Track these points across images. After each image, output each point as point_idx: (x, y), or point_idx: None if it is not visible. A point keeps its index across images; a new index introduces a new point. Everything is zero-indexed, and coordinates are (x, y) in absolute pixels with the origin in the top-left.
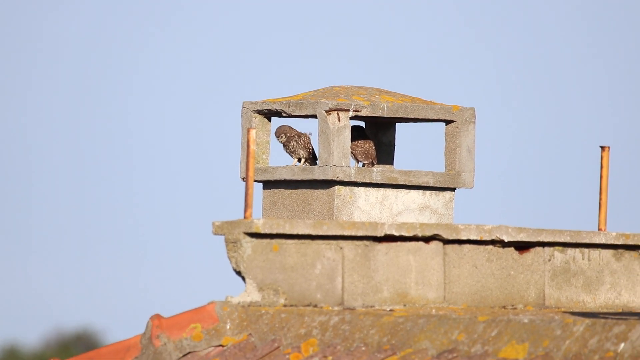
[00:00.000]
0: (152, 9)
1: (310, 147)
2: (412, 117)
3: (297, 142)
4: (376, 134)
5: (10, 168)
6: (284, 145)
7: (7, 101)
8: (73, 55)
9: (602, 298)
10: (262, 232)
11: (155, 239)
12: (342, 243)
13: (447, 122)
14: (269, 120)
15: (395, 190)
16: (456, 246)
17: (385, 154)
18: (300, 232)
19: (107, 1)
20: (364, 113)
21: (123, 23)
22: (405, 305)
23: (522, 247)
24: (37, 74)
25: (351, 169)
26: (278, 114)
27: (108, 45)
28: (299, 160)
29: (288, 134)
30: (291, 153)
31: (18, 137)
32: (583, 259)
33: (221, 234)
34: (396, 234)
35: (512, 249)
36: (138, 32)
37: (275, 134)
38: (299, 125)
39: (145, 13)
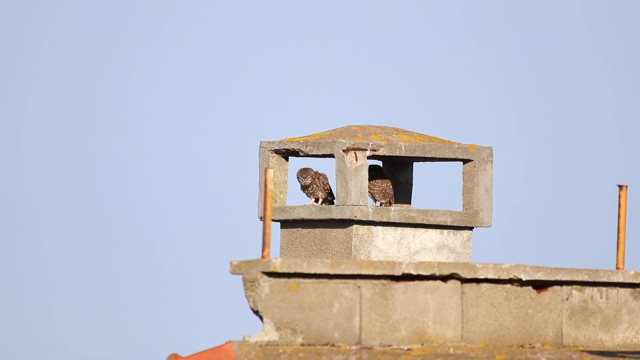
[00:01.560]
0: (170, 47)
1: (328, 187)
2: (429, 156)
3: (316, 184)
4: (393, 173)
5: (11, 225)
6: (303, 186)
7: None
8: (86, 98)
9: (620, 337)
10: (280, 271)
11: (173, 278)
12: (360, 282)
13: (465, 161)
14: (287, 159)
15: (413, 229)
16: (474, 285)
17: (402, 193)
18: (318, 272)
19: (122, 46)
20: (381, 152)
21: (140, 63)
22: (423, 344)
23: (540, 285)
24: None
25: (369, 208)
26: (295, 153)
27: (123, 92)
28: (316, 200)
29: (312, 176)
30: (310, 194)
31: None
32: (601, 297)
33: (239, 273)
34: (414, 273)
35: (529, 287)
36: (156, 71)
37: (301, 175)
38: (316, 164)
39: (163, 52)
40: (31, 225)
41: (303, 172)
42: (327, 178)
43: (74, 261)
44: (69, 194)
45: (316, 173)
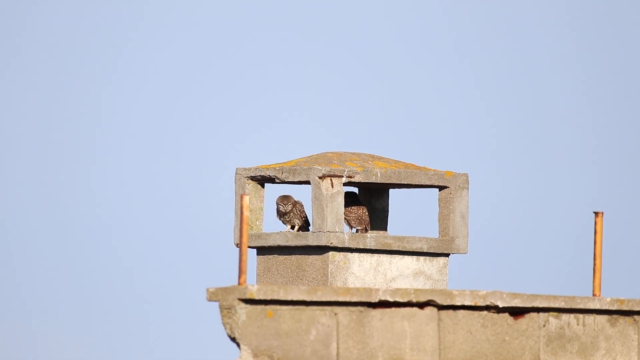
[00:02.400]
0: (148, 71)
1: (305, 215)
2: (405, 183)
3: (293, 212)
4: (369, 200)
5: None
6: (282, 213)
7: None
8: (77, 107)
9: None
10: (257, 298)
11: (150, 305)
12: (337, 309)
13: (441, 187)
14: (263, 186)
15: (389, 256)
16: (451, 312)
17: (378, 220)
18: (295, 298)
19: (98, 69)
20: (357, 179)
21: (115, 85)
22: None
23: (517, 312)
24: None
25: (345, 234)
26: (271, 180)
27: (97, 121)
28: (292, 227)
29: (292, 203)
30: (286, 221)
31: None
32: (578, 324)
33: (215, 300)
34: (390, 299)
35: (506, 314)
36: (130, 95)
37: (281, 202)
38: (292, 191)
39: (140, 75)
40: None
41: (284, 199)
42: (303, 205)
43: (50, 290)
44: (42, 221)
45: (295, 201)
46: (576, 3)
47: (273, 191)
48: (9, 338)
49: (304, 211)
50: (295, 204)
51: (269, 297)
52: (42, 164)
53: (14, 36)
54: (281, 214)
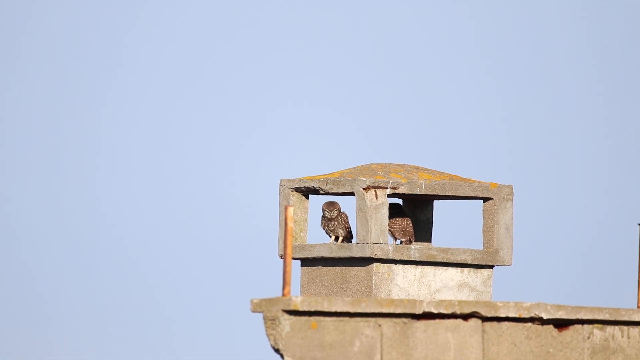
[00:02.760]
0: (192, 84)
1: (349, 226)
2: (449, 194)
3: (338, 221)
4: (414, 211)
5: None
6: (328, 219)
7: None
8: (95, 115)
9: None
10: (301, 309)
11: (195, 317)
12: (381, 320)
13: (485, 199)
14: (307, 197)
15: (433, 267)
16: (495, 324)
17: (422, 231)
18: (339, 310)
19: (139, 83)
20: (401, 190)
21: (155, 106)
22: None
23: (561, 324)
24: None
25: (389, 246)
26: (316, 191)
27: (142, 131)
28: (336, 238)
29: (338, 210)
30: (330, 231)
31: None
32: (622, 336)
33: (259, 312)
34: (434, 311)
35: (551, 326)
36: (176, 108)
37: (327, 208)
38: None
39: (185, 88)
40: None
41: (330, 205)
42: (347, 217)
43: (94, 302)
44: (80, 227)
45: (340, 210)
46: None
47: (317, 202)
48: (49, 339)
49: (348, 222)
50: (341, 213)
51: (312, 309)
52: (89, 173)
53: (24, 35)
54: (327, 220)
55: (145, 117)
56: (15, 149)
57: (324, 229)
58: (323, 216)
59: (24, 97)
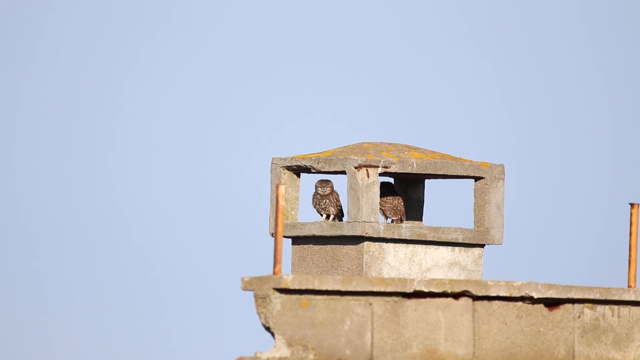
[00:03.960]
0: (182, 63)
1: (340, 205)
2: (441, 173)
3: (330, 199)
4: (405, 190)
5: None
6: (321, 196)
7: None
8: (88, 110)
9: (633, 355)
10: (292, 287)
11: (184, 294)
12: (372, 299)
13: (477, 178)
14: (298, 176)
15: (424, 246)
16: (485, 302)
17: (414, 210)
18: (330, 288)
19: (126, 59)
20: (393, 169)
21: (150, 76)
22: None
23: (551, 303)
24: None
25: (380, 225)
26: (307, 170)
27: (132, 108)
28: (327, 217)
29: (331, 188)
30: (321, 210)
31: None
32: (613, 315)
33: (250, 290)
34: (425, 290)
35: (541, 305)
36: (166, 87)
37: (320, 185)
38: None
39: (174, 67)
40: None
41: (323, 182)
42: (339, 195)
43: (83, 280)
44: (79, 210)
45: (332, 185)
46: None
47: (309, 181)
48: (44, 331)
49: (339, 201)
50: (333, 191)
51: (303, 287)
52: (72, 155)
53: (34, 36)
54: (319, 198)
55: (133, 94)
56: (14, 149)
57: (315, 207)
58: (315, 193)
59: (24, 97)
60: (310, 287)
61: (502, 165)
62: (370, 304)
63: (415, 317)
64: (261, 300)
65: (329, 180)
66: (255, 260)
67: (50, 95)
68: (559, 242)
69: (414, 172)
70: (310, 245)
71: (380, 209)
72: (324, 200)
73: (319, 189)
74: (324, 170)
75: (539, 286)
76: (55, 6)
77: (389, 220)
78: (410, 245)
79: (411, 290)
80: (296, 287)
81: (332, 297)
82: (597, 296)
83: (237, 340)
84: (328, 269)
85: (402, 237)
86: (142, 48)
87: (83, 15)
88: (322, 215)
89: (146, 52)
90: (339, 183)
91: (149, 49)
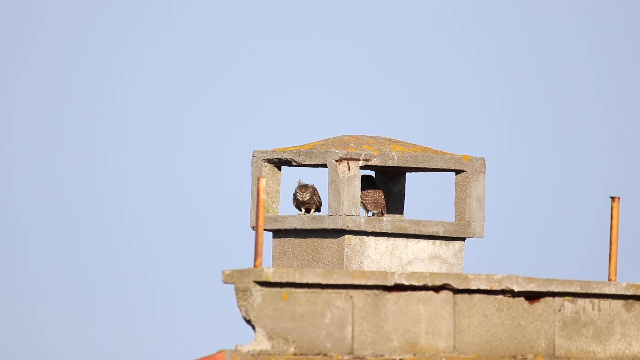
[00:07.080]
0: (163, 54)
1: (320, 200)
2: (422, 166)
3: (313, 200)
4: (386, 184)
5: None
6: (301, 202)
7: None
8: (81, 108)
9: (613, 348)
10: (272, 280)
11: (165, 287)
12: (352, 292)
13: (457, 171)
14: (279, 169)
15: (405, 239)
16: (466, 296)
17: (395, 204)
18: (310, 281)
19: (110, 53)
20: (374, 162)
21: (130, 69)
22: (415, 355)
23: (532, 297)
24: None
25: (361, 218)
26: (288, 163)
27: (112, 99)
28: (307, 211)
29: (311, 192)
30: (300, 205)
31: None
32: (593, 309)
33: (231, 283)
34: (406, 283)
35: (522, 298)
36: (146, 78)
37: (300, 191)
38: (309, 174)
39: (154, 58)
40: (16, 232)
41: (303, 188)
42: (317, 190)
43: (67, 269)
44: (60, 200)
45: (312, 187)
46: None
47: (290, 174)
48: (37, 329)
49: (320, 197)
50: (314, 192)
51: (284, 280)
52: (60, 152)
53: (32, 36)
54: (300, 203)
55: (116, 87)
56: (15, 149)
57: (295, 205)
58: (295, 197)
59: (18, 97)
60: (291, 280)
61: (482, 159)
62: (351, 297)
63: (396, 310)
64: (242, 293)
65: (308, 185)
66: (236, 253)
67: (44, 94)
68: (539, 236)
69: (395, 165)
70: (291, 238)
71: (361, 202)
72: (304, 204)
73: (299, 194)
74: (305, 163)
75: (520, 279)
76: (51, 6)
77: (370, 213)
78: (391, 239)
79: (392, 284)
80: (277, 280)
81: (312, 290)
82: (578, 289)
83: (217, 333)
84: (309, 262)
85: (383, 231)
86: (121, 37)
87: (78, 16)
88: (301, 210)
89: (124, 42)
90: (320, 176)
91: (127, 38)
